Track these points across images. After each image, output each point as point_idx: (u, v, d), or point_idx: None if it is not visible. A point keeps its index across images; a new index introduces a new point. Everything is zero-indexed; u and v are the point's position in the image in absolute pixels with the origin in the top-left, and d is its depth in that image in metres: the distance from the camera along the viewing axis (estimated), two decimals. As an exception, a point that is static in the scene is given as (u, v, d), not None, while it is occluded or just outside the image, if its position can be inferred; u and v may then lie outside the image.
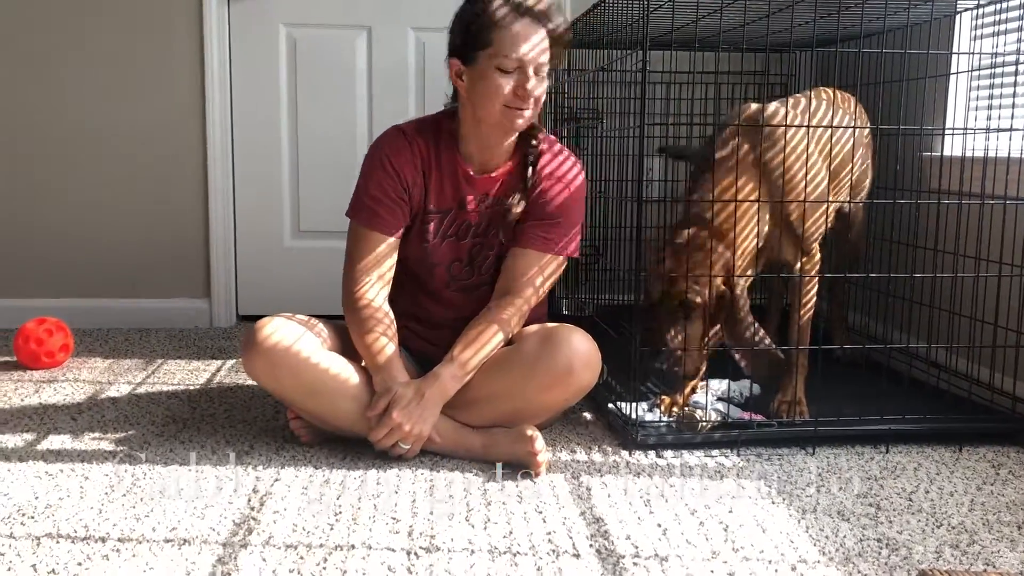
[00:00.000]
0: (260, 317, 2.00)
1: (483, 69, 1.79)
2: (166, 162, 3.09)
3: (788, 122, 2.05)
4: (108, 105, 3.05)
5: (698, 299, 1.97)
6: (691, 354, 1.99)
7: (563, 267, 1.99)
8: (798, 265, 2.10)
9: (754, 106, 2.12)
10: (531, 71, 1.79)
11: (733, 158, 2.02)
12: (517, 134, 1.91)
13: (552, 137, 2.02)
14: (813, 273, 2.12)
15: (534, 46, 1.79)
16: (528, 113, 1.83)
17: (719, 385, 2.12)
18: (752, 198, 2.01)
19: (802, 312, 2.11)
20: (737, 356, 2.01)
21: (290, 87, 3.15)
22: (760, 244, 2.04)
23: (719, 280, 1.98)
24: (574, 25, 2.72)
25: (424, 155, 1.91)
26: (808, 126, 2.05)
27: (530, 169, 1.94)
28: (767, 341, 1.99)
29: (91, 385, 2.39)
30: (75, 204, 3.09)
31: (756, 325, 1.99)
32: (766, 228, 2.05)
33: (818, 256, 2.13)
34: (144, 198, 3.10)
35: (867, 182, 2.39)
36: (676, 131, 2.95)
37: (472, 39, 1.80)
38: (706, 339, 2.01)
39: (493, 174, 1.93)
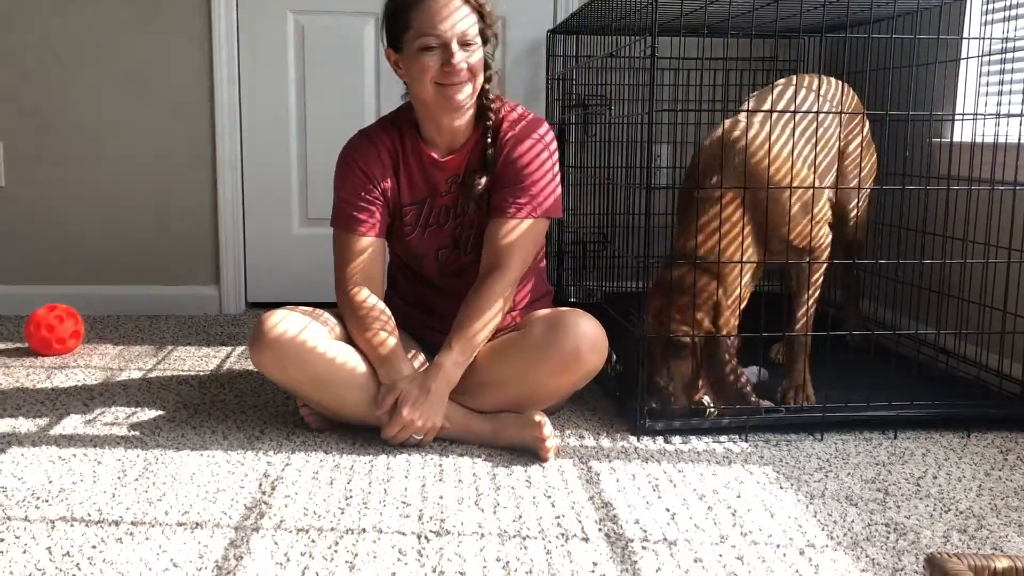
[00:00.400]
0: (269, 304, 2.01)
1: (410, 52, 1.81)
2: (175, 150, 3.10)
3: (769, 127, 2.03)
4: (115, 94, 3.06)
5: (686, 339, 1.96)
6: (681, 394, 1.98)
7: (544, 228, 1.96)
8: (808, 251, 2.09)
9: (728, 123, 2.10)
10: (455, 45, 1.78)
11: (715, 189, 2.00)
12: (473, 109, 1.90)
13: (514, 103, 1.99)
14: (823, 260, 2.12)
15: (451, 18, 1.78)
16: (465, 86, 1.82)
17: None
18: (738, 228, 1.99)
19: (809, 295, 2.11)
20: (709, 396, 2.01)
21: (298, 74, 3.15)
22: (758, 262, 2.03)
23: (706, 321, 1.97)
24: (582, 11, 2.72)
25: (390, 150, 1.94)
26: (805, 108, 2.04)
27: (489, 139, 1.92)
28: (748, 388, 1.97)
29: (102, 371, 2.41)
30: (85, 192, 3.10)
31: (740, 370, 1.98)
32: (755, 256, 2.03)
33: (826, 246, 2.12)
34: (153, 186, 3.11)
35: (870, 178, 2.37)
36: (685, 117, 2.94)
37: (395, 24, 1.82)
38: (698, 379, 2.00)
39: (458, 154, 1.94)
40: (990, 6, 2.32)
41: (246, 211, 3.19)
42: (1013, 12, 2.27)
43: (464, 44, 1.80)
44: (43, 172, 3.08)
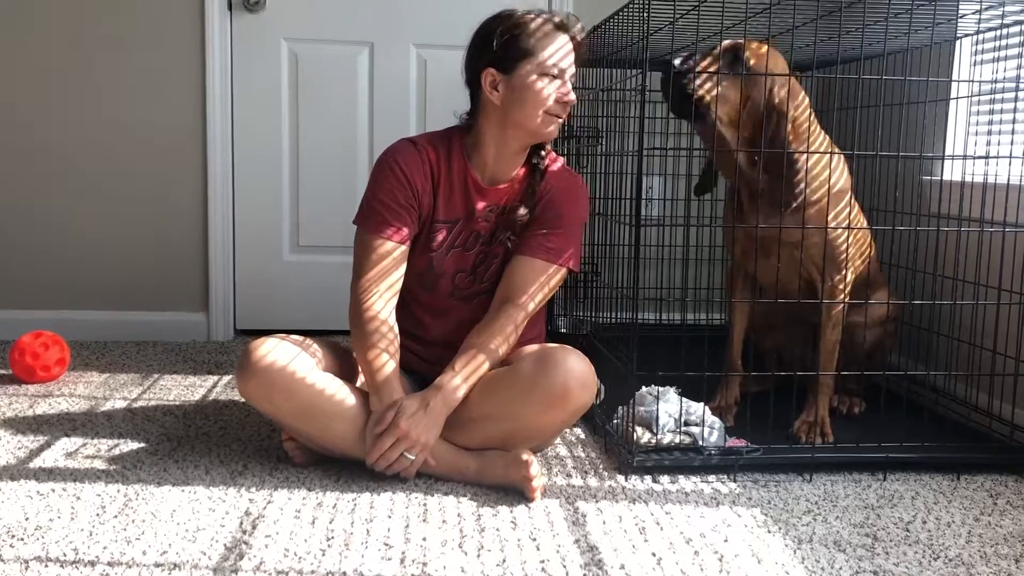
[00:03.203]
0: (258, 332, 1.98)
1: (525, 77, 1.87)
2: (166, 174, 3.09)
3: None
4: (108, 116, 3.05)
5: (752, 56, 1.99)
6: None
7: (563, 278, 2.00)
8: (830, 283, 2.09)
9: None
10: (568, 80, 1.90)
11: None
12: (529, 149, 1.97)
13: (555, 154, 2.07)
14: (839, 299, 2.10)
15: (570, 58, 1.90)
16: (561, 121, 1.92)
17: (696, 408, 2.03)
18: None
19: (828, 334, 2.10)
20: None
21: (291, 102, 3.15)
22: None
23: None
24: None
25: (434, 164, 1.95)
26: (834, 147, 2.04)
27: (538, 177, 1.99)
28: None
29: (86, 400, 2.38)
30: (74, 216, 3.08)
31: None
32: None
33: (849, 279, 2.12)
34: (143, 210, 3.10)
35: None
36: (676, 152, 2.95)
37: (513, 49, 1.87)
38: None
39: (502, 185, 1.97)
40: (980, 47, 2.33)
41: (236, 237, 3.18)
42: (1002, 53, 2.29)
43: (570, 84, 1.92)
44: (29, 197, 3.06)
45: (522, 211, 1.97)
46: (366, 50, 3.15)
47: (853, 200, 2.13)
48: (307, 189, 3.19)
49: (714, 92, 1.98)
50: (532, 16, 1.90)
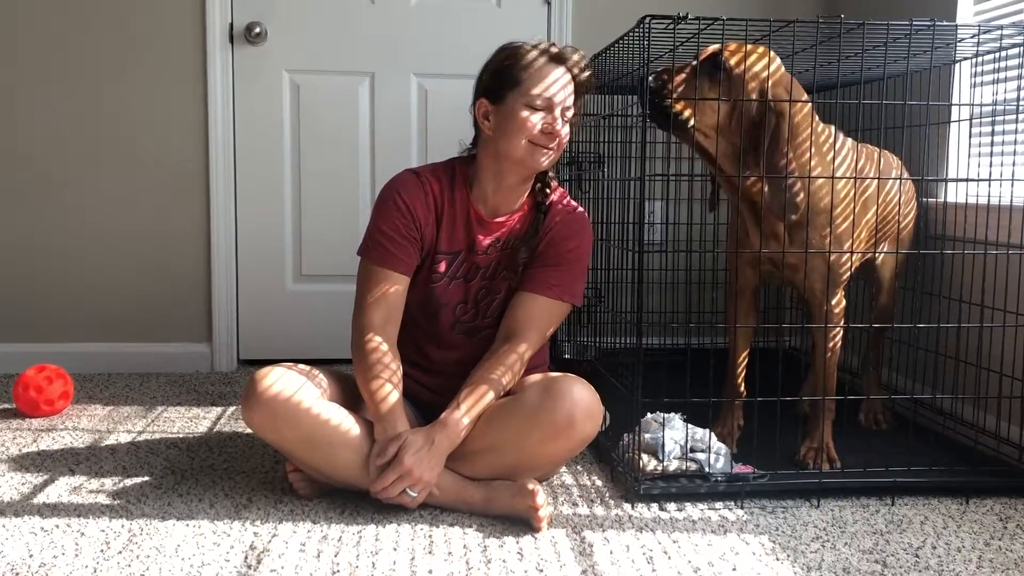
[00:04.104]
0: (261, 361, 1.97)
1: (512, 106, 1.87)
2: (168, 206, 3.10)
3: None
4: (111, 148, 3.07)
5: (732, 60, 1.93)
6: None
7: (567, 313, 2.00)
8: (824, 307, 2.06)
9: None
10: (558, 112, 1.87)
11: None
12: (532, 181, 1.97)
13: (562, 189, 2.07)
14: (840, 315, 2.09)
15: (562, 88, 1.88)
16: (552, 153, 1.90)
17: (701, 434, 2.03)
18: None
19: (828, 355, 2.08)
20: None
21: (293, 132, 3.17)
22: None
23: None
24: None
25: (436, 195, 1.95)
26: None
27: (541, 213, 1.98)
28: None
29: (90, 434, 2.38)
30: (76, 248, 3.09)
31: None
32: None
33: (843, 299, 2.10)
34: (146, 241, 3.11)
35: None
36: (678, 177, 2.95)
37: (503, 79, 1.88)
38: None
39: (504, 218, 1.97)
40: (979, 69, 2.34)
41: (239, 267, 3.18)
42: (1002, 75, 2.29)
43: (562, 116, 1.89)
44: (32, 229, 3.07)
45: (524, 251, 1.97)
46: (367, 80, 3.17)
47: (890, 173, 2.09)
48: (309, 218, 3.20)
49: (691, 109, 1.93)
50: (529, 48, 1.90)
